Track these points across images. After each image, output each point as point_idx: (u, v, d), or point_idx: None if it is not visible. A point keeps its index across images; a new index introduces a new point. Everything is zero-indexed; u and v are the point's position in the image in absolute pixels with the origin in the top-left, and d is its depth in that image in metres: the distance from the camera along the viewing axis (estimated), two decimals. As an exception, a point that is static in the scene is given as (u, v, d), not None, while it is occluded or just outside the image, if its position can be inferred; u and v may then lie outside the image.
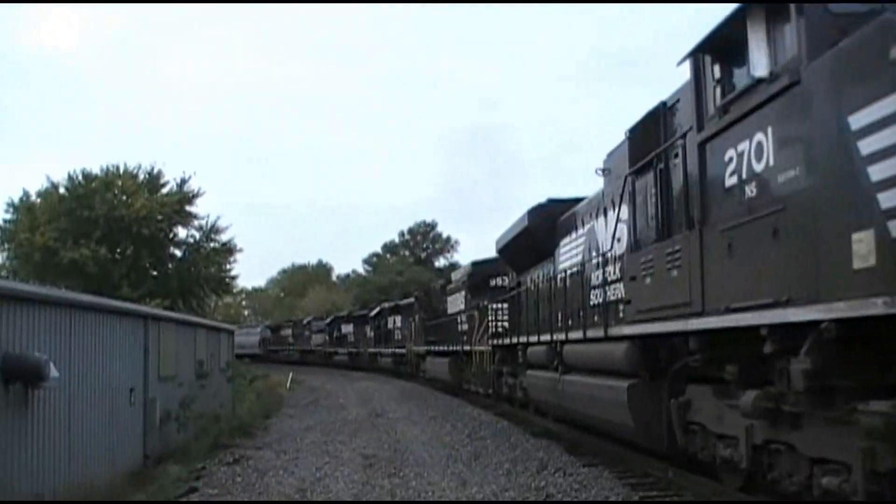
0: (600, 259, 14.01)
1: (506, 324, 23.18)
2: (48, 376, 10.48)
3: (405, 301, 47.19)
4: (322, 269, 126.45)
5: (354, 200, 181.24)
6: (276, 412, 26.88)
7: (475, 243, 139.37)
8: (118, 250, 43.06)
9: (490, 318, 24.71)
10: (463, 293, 31.91)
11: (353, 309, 67.72)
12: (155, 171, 45.98)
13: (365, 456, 15.94)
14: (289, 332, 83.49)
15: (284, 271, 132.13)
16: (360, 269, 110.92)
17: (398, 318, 47.69)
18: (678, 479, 11.61)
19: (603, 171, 14.54)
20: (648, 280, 11.06)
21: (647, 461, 12.83)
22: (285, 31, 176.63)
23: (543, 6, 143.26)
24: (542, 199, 19.23)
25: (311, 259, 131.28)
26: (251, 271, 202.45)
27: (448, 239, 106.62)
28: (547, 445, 16.36)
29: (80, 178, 43.49)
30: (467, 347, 28.66)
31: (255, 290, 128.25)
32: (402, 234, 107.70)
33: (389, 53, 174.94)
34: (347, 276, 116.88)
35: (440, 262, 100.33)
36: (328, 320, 70.58)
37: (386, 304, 52.33)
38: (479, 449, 16.41)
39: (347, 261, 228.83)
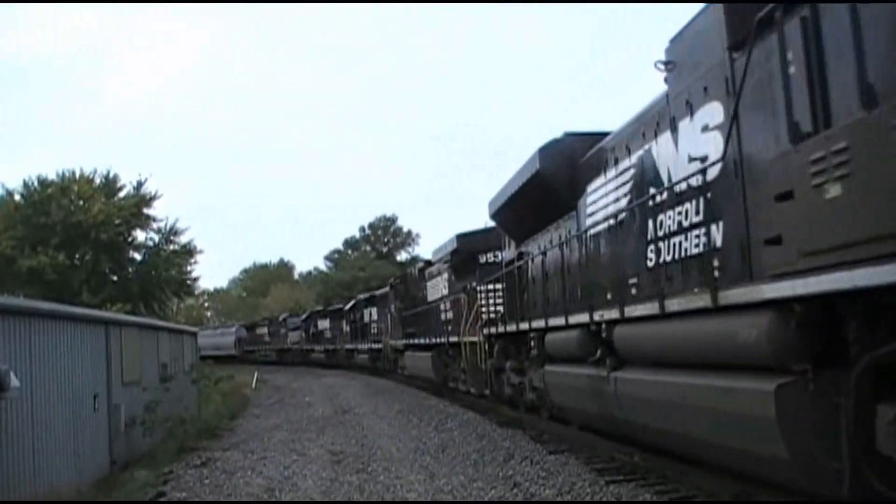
0: (673, 193, 9.73)
1: (500, 308, 19.58)
2: (9, 386, 10.41)
3: (381, 291, 43.28)
4: (284, 268, 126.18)
5: (314, 197, 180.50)
6: (242, 413, 26.81)
7: (438, 236, 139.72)
8: (77, 256, 42.80)
9: (481, 301, 21.14)
10: (446, 275, 27.35)
11: (327, 304, 65.29)
12: (111, 174, 45.80)
13: (332, 452, 15.96)
14: (265, 330, 79.10)
15: (246, 271, 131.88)
16: (322, 266, 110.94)
17: (374, 311, 44.00)
18: (645, 463, 11.78)
19: (665, 64, 10.07)
20: (836, 190, 5.89)
21: (612, 446, 12.97)
22: (232, 24, 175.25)
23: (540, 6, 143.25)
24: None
25: (272, 258, 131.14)
26: (212, 272, 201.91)
27: (409, 233, 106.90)
28: (513, 435, 16.44)
29: (36, 184, 43.13)
30: (453, 339, 24.05)
31: (218, 291, 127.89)
32: (362, 230, 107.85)
33: (352, 45, 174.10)
34: (310, 273, 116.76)
35: (402, 256, 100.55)
36: (304, 316, 66.73)
37: (361, 296, 49.20)
38: (445, 441, 16.48)
39: (309, 258, 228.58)
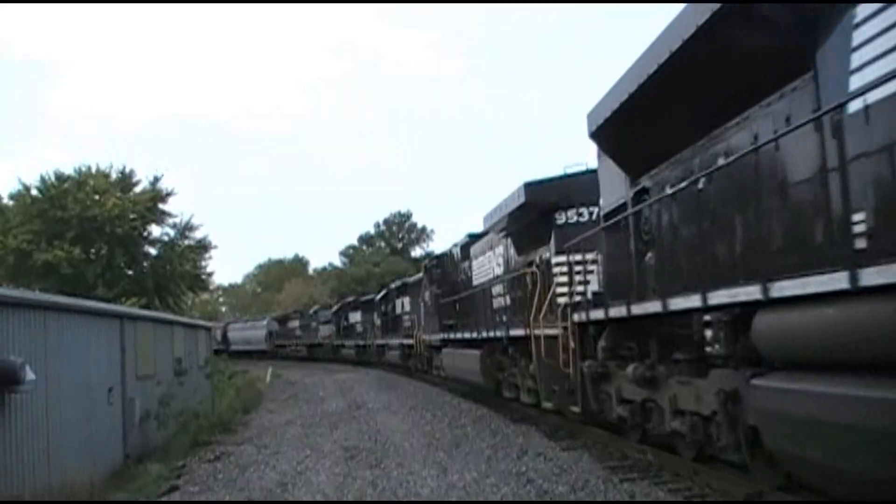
0: None
1: (585, 286, 14.04)
2: (24, 379, 10.47)
3: (414, 278, 37.88)
4: (298, 263, 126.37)
5: (329, 192, 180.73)
6: (256, 407, 26.86)
7: (452, 233, 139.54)
8: (92, 250, 42.87)
9: (560, 279, 15.62)
10: (501, 248, 21.05)
11: (356, 294, 59.44)
12: (127, 170, 45.93)
13: (346, 448, 15.96)
14: (296, 323, 71.39)
15: (261, 266, 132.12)
16: (337, 262, 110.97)
17: (406, 301, 38.36)
18: (657, 460, 11.75)
19: None
20: None
21: (625, 444, 12.92)
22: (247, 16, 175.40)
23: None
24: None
25: (287, 253, 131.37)
26: (227, 267, 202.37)
27: (423, 228, 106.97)
28: (527, 431, 16.42)
29: (53, 178, 43.28)
30: (517, 332, 17.91)
31: (232, 286, 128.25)
32: (377, 226, 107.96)
33: (367, 40, 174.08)
34: (324, 269, 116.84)
35: (416, 252, 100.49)
36: (335, 308, 60.14)
37: (393, 285, 43.64)
38: (459, 437, 16.46)
39: (324, 254, 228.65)
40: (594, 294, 13.47)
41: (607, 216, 13.14)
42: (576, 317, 13.87)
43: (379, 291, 47.04)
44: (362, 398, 27.22)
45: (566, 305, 14.80)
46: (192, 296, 56.02)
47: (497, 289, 20.73)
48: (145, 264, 45.98)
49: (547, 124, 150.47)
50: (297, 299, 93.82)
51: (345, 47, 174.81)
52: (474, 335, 22.11)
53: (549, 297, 16.25)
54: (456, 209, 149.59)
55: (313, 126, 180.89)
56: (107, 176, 44.75)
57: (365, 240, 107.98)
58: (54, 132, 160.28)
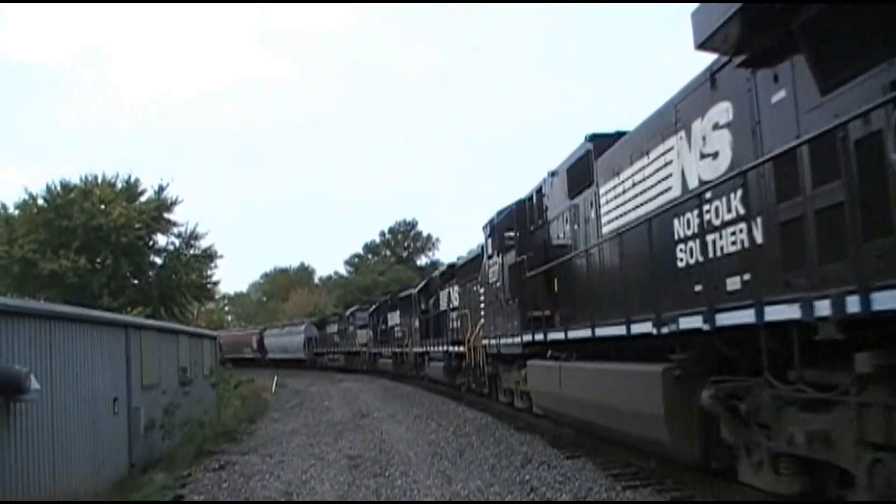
0: None
1: None
2: (29, 389, 10.52)
3: (464, 258, 27.58)
4: (304, 272, 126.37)
5: (335, 202, 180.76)
6: (261, 416, 26.88)
7: (457, 242, 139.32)
8: (97, 260, 43.01)
9: None
10: (724, 111, 8.56)
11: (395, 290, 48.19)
12: (132, 179, 46.10)
13: (350, 457, 15.98)
14: (335, 328, 60.47)
15: (266, 275, 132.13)
16: (343, 271, 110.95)
17: (454, 292, 27.41)
18: (660, 469, 11.75)
19: None
20: None
21: (628, 453, 12.92)
22: (252, 24, 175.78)
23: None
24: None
25: (292, 262, 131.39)
26: (233, 276, 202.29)
27: (429, 237, 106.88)
28: (531, 440, 16.42)
29: (58, 188, 43.43)
30: None
31: (237, 295, 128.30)
32: (382, 234, 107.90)
33: (373, 49, 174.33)
34: (329, 277, 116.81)
35: (422, 261, 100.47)
36: (371, 309, 49.40)
37: (436, 272, 34.00)
38: (463, 445, 16.46)
39: (329, 263, 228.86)
40: None
41: None
42: None
43: (418, 284, 37.19)
44: (367, 407, 27.20)
45: None
46: (198, 305, 56.12)
47: (724, 207, 8.53)
48: (151, 274, 46.14)
49: (554, 134, 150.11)
50: (303, 308, 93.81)
51: (351, 56, 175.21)
52: (651, 329, 9.67)
53: None
54: (462, 218, 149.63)
55: (320, 135, 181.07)
56: (112, 185, 44.95)
57: (370, 248, 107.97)
58: (60, 140, 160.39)
